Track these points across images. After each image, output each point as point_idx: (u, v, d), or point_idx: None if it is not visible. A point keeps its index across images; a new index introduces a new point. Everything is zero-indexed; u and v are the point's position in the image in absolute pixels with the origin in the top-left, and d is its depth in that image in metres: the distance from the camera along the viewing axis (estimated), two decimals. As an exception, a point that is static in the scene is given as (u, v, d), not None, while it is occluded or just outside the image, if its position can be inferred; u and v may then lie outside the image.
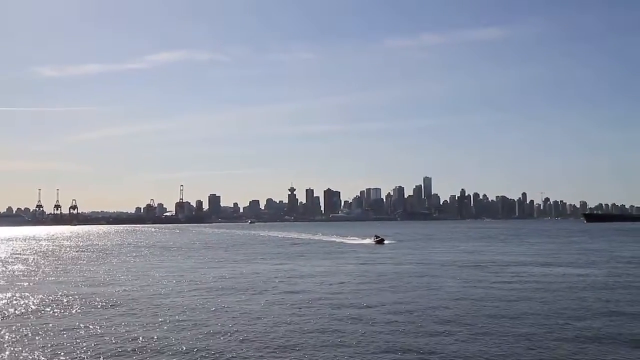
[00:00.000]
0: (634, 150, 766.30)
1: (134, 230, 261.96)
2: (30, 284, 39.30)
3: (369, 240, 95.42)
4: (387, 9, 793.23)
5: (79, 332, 22.15)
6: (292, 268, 49.29)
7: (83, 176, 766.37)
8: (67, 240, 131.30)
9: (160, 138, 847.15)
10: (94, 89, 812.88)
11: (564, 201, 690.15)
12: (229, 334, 21.60)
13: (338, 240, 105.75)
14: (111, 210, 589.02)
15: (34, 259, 67.46)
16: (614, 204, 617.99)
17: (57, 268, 53.05)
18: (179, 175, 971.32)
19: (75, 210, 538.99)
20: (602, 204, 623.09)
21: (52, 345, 19.83)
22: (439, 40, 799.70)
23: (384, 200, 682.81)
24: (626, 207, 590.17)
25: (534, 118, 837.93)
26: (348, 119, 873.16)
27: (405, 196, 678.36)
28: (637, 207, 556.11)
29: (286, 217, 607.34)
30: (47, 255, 75.18)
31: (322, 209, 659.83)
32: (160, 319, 24.67)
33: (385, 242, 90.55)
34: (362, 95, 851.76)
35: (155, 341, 20.47)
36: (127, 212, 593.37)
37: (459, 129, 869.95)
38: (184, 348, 19.43)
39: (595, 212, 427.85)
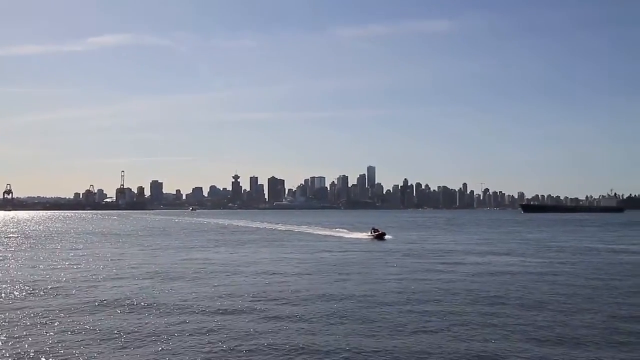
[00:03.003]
0: (571, 143, 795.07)
1: (70, 216, 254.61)
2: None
3: (360, 234, 78.62)
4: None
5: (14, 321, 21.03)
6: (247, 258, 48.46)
7: (19, 160, 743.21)
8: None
9: (100, 122, 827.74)
10: (31, 71, 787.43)
11: (502, 192, 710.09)
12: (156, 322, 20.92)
13: (322, 233, 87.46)
14: (48, 196, 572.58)
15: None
16: (550, 195, 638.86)
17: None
18: (119, 160, 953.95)
19: (10, 195, 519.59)
20: (538, 195, 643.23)
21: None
22: (387, 30, 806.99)
23: (328, 188, 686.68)
24: (561, 198, 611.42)
25: (477, 110, 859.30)
26: (293, 107, 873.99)
27: (349, 185, 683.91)
28: (571, 198, 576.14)
29: (230, 204, 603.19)
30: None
31: (266, 197, 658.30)
32: (91, 307, 23.71)
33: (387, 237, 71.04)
34: (307, 83, 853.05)
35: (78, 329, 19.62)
36: (65, 198, 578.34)
37: (403, 120, 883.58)
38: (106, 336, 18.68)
39: (532, 203, 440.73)
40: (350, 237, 74.81)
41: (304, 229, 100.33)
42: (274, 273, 35.91)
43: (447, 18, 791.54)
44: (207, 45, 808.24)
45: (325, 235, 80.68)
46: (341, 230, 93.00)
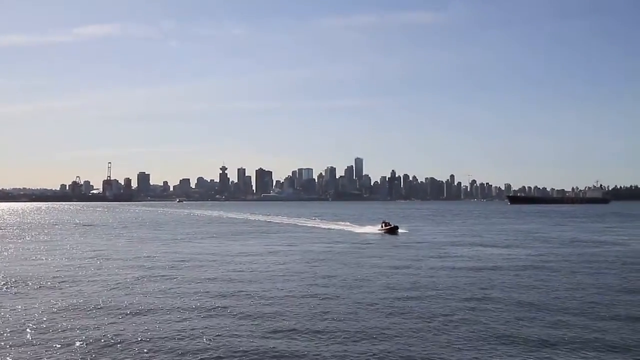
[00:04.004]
0: (557, 135, 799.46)
1: (56, 208, 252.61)
2: None
3: (369, 228, 70.94)
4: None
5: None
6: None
7: (4, 151, 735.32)
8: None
9: (87, 113, 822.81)
10: (17, 61, 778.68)
11: (489, 183, 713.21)
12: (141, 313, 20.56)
13: (326, 227, 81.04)
14: (34, 187, 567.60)
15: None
16: (536, 186, 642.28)
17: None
18: (106, 152, 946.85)
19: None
20: (525, 187, 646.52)
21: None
22: (372, 21, 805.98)
23: (316, 180, 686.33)
24: (547, 189, 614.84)
25: (464, 101, 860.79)
26: (280, 98, 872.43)
27: (337, 177, 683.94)
28: (557, 189, 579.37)
29: (217, 196, 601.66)
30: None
31: (254, 188, 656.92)
32: (75, 302, 23.28)
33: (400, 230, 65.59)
34: (293, 73, 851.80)
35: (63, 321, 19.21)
36: (51, 190, 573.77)
37: (390, 111, 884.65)
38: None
39: (518, 194, 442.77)
40: (359, 232, 67.86)
41: (304, 221, 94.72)
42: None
43: (432, 9, 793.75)
44: (193, 35, 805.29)
45: (330, 230, 73.96)
46: (343, 223, 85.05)
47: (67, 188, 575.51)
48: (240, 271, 32.77)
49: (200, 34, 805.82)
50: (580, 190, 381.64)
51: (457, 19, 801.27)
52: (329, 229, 76.48)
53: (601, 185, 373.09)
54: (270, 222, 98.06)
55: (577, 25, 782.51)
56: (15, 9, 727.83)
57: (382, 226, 66.88)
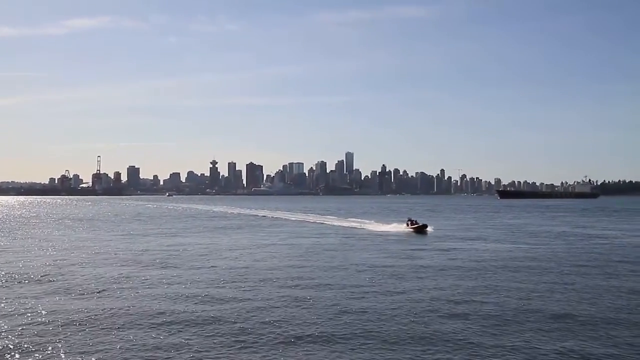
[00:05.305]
0: (547, 130, 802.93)
1: (44, 202, 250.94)
2: None
3: (395, 226, 63.51)
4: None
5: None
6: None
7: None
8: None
9: (77, 107, 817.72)
10: (6, 54, 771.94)
11: (479, 178, 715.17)
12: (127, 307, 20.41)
13: (339, 224, 73.55)
14: (22, 181, 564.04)
15: None
16: (526, 181, 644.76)
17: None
18: (96, 145, 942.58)
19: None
20: (515, 181, 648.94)
21: None
22: (366, 16, 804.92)
23: (307, 174, 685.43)
24: (537, 184, 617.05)
25: (455, 96, 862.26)
26: (272, 93, 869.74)
27: (328, 171, 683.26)
28: (546, 184, 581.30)
29: (207, 190, 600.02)
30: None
31: (244, 182, 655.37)
32: (62, 294, 23.10)
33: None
34: (286, 69, 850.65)
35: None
36: (40, 183, 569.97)
37: (381, 106, 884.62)
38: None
39: (508, 189, 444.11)
40: (381, 230, 60.89)
41: (315, 217, 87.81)
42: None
43: (425, 4, 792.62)
44: (185, 29, 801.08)
45: (345, 227, 67.36)
46: (355, 220, 76.93)
47: (56, 182, 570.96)
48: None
49: (194, 29, 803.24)
50: (570, 185, 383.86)
51: (449, 13, 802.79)
52: (352, 227, 67.65)
53: (590, 180, 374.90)
54: (277, 217, 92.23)
55: (569, 21, 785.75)
56: (5, 0, 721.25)
57: (408, 224, 60.37)
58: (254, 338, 16.90)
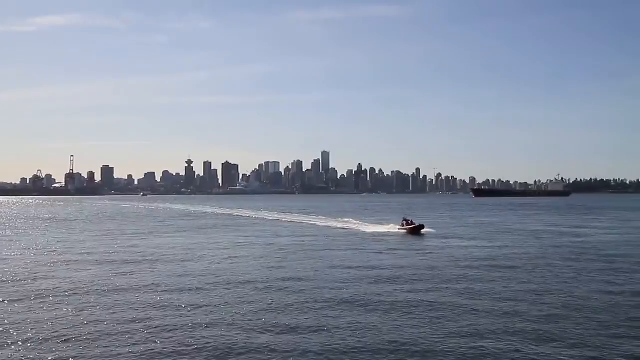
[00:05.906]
0: (520, 128, 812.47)
1: (16, 202, 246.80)
2: None
3: (386, 227, 61.34)
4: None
5: None
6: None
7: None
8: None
9: (48, 105, 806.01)
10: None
11: (454, 177, 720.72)
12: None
13: (331, 224, 69.90)
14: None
15: None
16: (500, 180, 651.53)
17: None
18: (69, 145, 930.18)
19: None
20: (489, 180, 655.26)
21: None
22: (339, 15, 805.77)
23: (283, 174, 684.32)
24: (511, 182, 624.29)
25: (429, 95, 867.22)
26: (247, 91, 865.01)
27: (304, 170, 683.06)
28: (520, 183, 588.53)
29: (183, 189, 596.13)
30: None
31: (220, 182, 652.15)
32: (37, 297, 22.68)
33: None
34: (260, 67, 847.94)
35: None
36: (11, 183, 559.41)
37: (357, 104, 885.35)
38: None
39: (482, 187, 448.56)
40: (373, 232, 57.72)
41: (302, 218, 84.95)
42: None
43: (397, 3, 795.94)
44: (158, 27, 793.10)
45: (338, 228, 64.15)
46: (344, 220, 74.98)
47: (28, 182, 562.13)
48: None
49: (166, 27, 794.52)
50: (543, 184, 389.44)
51: (421, 12, 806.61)
52: (342, 228, 64.77)
53: (562, 178, 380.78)
54: (257, 217, 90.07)
55: (543, 19, 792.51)
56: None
57: (403, 224, 57.61)
58: (233, 341, 16.82)
